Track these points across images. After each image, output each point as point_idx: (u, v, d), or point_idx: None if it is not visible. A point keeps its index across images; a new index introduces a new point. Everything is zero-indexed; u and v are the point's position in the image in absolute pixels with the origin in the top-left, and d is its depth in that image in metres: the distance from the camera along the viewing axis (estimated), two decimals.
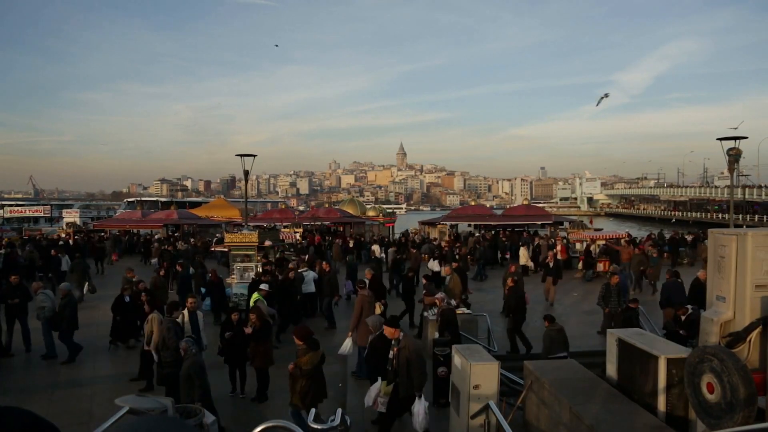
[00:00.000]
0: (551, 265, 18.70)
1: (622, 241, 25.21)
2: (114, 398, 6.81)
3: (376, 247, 27.54)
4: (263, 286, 12.54)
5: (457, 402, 7.12)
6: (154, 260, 23.99)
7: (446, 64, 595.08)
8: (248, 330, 9.45)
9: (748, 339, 5.52)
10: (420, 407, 7.20)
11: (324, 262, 16.08)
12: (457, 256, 21.60)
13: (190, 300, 10.35)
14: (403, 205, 69.31)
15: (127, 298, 12.48)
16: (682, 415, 5.73)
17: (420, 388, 7.32)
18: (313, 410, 6.53)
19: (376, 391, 7.72)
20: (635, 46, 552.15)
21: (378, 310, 11.54)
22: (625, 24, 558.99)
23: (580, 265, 24.00)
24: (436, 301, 11.60)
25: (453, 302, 12.27)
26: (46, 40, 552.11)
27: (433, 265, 20.84)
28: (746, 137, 18.43)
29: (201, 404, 7.26)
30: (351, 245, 28.44)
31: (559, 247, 24.69)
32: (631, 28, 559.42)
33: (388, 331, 7.69)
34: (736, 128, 52.96)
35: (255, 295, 12.13)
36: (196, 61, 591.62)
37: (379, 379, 7.83)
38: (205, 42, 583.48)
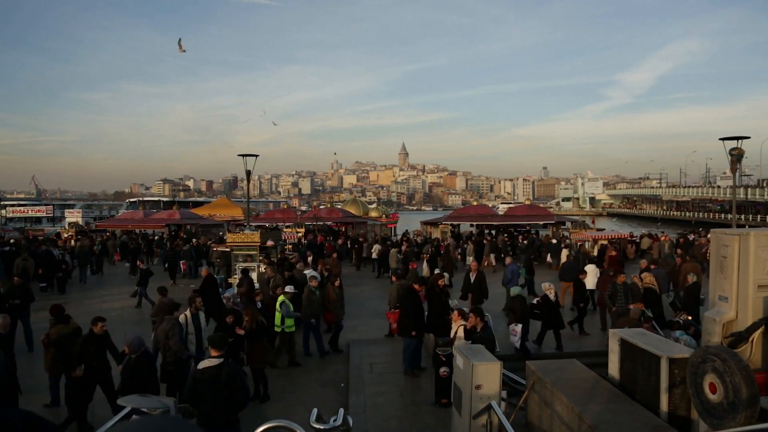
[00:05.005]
0: (472, 278, 13.92)
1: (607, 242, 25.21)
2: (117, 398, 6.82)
3: (377, 247, 27.47)
4: (288, 288, 11.99)
5: (459, 402, 7.11)
6: (67, 257, 23.10)
7: (449, 64, 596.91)
8: (240, 331, 9.44)
9: (750, 339, 5.52)
10: None
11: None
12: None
13: (196, 300, 10.30)
14: (374, 204, 69.39)
15: (259, 304, 11.81)
16: (685, 415, 5.71)
17: None
18: (315, 410, 6.51)
19: None
20: (638, 46, 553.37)
21: None
22: (628, 24, 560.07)
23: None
24: (249, 305, 11.20)
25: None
26: (48, 40, 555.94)
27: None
28: (749, 137, 18.38)
29: None
30: (348, 245, 28.54)
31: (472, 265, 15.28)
32: (635, 28, 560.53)
33: None
34: None
35: (280, 298, 11.90)
36: (198, 62, 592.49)
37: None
38: (208, 42, 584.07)
